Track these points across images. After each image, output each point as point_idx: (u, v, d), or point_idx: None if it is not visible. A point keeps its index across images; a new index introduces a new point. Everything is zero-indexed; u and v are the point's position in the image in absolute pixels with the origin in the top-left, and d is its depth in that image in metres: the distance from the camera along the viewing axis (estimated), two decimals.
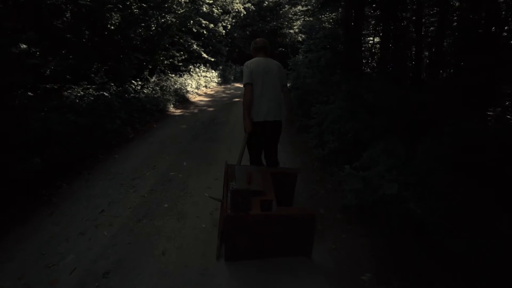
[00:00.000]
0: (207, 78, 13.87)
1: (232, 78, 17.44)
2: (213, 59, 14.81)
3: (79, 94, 5.24)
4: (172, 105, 8.63)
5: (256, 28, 22.64)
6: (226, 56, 18.24)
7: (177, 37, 12.45)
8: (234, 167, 2.69)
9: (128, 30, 7.67)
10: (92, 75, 6.08)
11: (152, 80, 9.43)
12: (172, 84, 10.46)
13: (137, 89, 8.10)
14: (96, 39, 6.72)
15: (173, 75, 11.37)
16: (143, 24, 8.16)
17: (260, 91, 2.75)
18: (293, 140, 5.46)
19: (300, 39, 24.01)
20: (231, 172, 2.60)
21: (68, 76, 5.56)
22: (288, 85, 3.18)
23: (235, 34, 21.50)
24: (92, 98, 5.31)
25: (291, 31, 24.77)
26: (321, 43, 13.32)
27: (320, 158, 4.23)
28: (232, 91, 13.84)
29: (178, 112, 8.38)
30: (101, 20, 7.26)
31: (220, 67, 15.94)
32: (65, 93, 5.01)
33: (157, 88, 9.12)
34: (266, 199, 2.28)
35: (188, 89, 11.01)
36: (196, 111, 8.61)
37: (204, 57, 14.36)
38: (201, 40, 16.29)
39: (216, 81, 15.01)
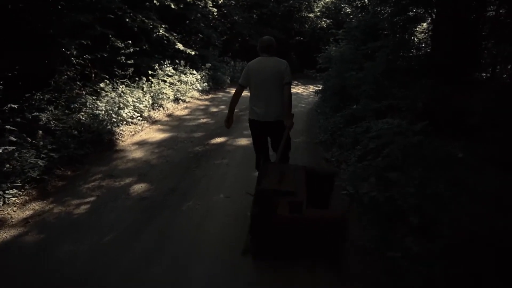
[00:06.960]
0: (179, 86, 8.22)
1: (228, 81, 11.52)
2: (193, 53, 9.12)
3: None
4: (22, 191, 3.07)
5: (266, 10, 16.73)
6: (220, 48, 12.47)
7: (119, 12, 6.83)
8: (269, 164, 2.66)
9: None
10: None
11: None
12: (91, 106, 4.95)
13: None
14: None
15: (108, 86, 5.83)
16: None
17: (258, 93, 2.80)
18: None
19: (324, 25, 18.14)
20: (265, 169, 2.57)
21: None
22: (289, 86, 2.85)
23: (236, 17, 15.62)
24: None
25: (311, 14, 18.85)
26: (368, 28, 7.99)
27: None
28: (222, 107, 8.10)
29: (14, 223, 2.78)
30: None
31: (209, 65, 10.11)
32: None
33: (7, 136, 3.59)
34: (295, 201, 2.20)
35: (124, 115, 5.44)
36: (82, 210, 2.99)
37: (180, 49, 8.71)
38: (184, 24, 10.59)
39: (199, 87, 9.30)
